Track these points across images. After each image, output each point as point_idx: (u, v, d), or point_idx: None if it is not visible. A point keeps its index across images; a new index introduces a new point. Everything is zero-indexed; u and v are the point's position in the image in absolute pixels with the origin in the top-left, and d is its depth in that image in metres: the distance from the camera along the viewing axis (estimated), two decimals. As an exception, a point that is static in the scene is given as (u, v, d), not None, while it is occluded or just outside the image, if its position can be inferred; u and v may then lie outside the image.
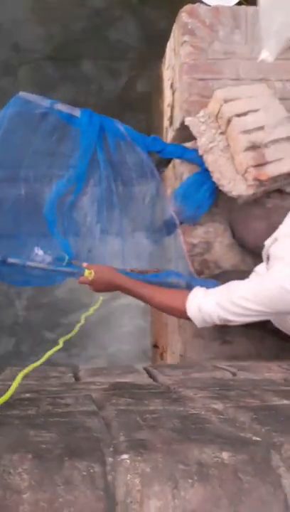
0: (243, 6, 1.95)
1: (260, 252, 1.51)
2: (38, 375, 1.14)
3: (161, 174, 2.06)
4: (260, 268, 1.52)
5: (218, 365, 1.36)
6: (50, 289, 2.97)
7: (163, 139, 2.05)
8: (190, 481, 0.55)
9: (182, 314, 1.40)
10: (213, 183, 1.78)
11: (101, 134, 1.75)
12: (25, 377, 1.08)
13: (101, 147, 1.75)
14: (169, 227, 1.85)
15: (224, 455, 0.59)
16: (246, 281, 1.30)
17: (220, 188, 1.76)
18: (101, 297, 1.71)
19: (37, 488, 0.52)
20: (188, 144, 1.86)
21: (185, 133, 1.85)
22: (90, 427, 0.68)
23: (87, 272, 1.49)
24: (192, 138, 1.83)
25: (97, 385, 1.01)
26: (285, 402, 0.85)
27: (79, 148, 1.73)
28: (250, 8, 1.90)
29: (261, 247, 1.48)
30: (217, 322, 1.34)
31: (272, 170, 1.66)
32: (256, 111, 1.70)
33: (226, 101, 1.71)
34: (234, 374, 1.19)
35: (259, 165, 1.66)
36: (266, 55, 1.37)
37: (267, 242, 1.46)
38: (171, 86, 2.09)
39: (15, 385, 0.82)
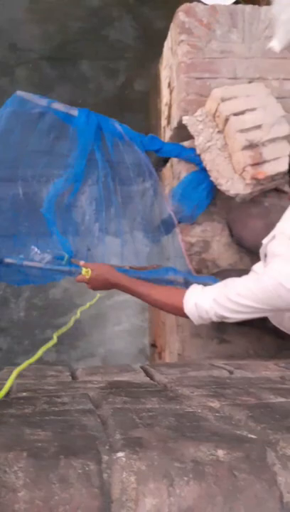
0: (240, 5, 1.95)
1: (258, 250, 1.51)
2: (35, 374, 1.14)
3: (159, 173, 2.07)
4: (258, 266, 1.52)
5: (215, 363, 1.36)
6: (47, 289, 2.97)
7: (160, 138, 2.05)
8: (185, 478, 0.55)
9: (179, 311, 1.40)
10: (211, 182, 1.79)
11: (99, 133, 1.75)
12: (23, 376, 1.08)
13: (99, 146, 1.75)
14: (167, 226, 1.85)
15: (220, 453, 0.59)
16: (243, 278, 1.30)
17: (218, 186, 1.77)
18: (98, 294, 1.71)
19: (32, 487, 0.52)
20: (186, 143, 1.86)
21: (182, 132, 1.85)
22: (86, 425, 0.68)
23: (84, 271, 1.49)
24: (189, 137, 1.83)
25: (94, 383, 1.01)
26: (281, 399, 0.85)
27: (76, 148, 1.73)
28: (247, 7, 1.90)
29: (259, 245, 1.48)
30: (214, 319, 1.34)
31: (270, 169, 1.66)
32: (253, 110, 1.70)
33: (223, 100, 1.71)
34: (231, 372, 1.19)
35: (257, 164, 1.66)
36: (275, 44, 1.37)
37: (265, 241, 1.46)
38: (169, 85, 2.09)
39: (10, 381, 0.82)
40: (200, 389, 0.94)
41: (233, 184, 1.72)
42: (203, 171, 1.80)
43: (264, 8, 1.89)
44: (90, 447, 0.59)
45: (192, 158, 1.83)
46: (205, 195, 1.84)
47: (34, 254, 1.61)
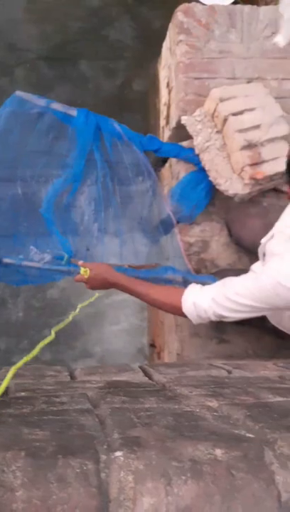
0: (239, 5, 1.95)
1: (256, 250, 1.51)
2: (34, 373, 1.14)
3: (158, 173, 2.07)
4: (256, 266, 1.52)
5: (214, 363, 1.36)
6: (45, 290, 2.97)
7: (159, 138, 2.05)
8: (183, 477, 0.55)
9: (177, 311, 1.40)
10: (209, 182, 1.79)
11: (98, 134, 1.75)
12: (21, 376, 1.08)
13: (97, 146, 1.75)
14: (166, 226, 1.85)
15: (218, 452, 0.59)
16: (242, 277, 1.30)
17: (217, 186, 1.77)
18: (96, 293, 1.71)
19: (30, 486, 0.52)
20: (185, 143, 1.86)
21: (181, 132, 1.85)
22: (84, 424, 0.68)
23: (82, 270, 1.49)
24: (188, 137, 1.83)
25: (93, 383, 1.01)
26: (279, 399, 0.85)
27: (75, 148, 1.73)
28: (246, 7, 1.90)
29: (258, 245, 1.49)
30: (213, 318, 1.34)
31: (268, 169, 1.66)
32: (252, 110, 1.70)
33: (222, 100, 1.71)
34: (229, 372, 1.19)
35: (255, 164, 1.66)
36: (280, 39, 1.38)
37: (263, 240, 1.46)
38: (167, 85, 2.09)
39: (8, 378, 0.82)
40: (199, 388, 0.94)
41: (232, 184, 1.72)
42: (202, 170, 1.80)
43: (263, 8, 1.89)
44: (88, 447, 0.59)
45: (191, 158, 1.83)
46: (204, 195, 1.84)
47: (33, 254, 1.61)
